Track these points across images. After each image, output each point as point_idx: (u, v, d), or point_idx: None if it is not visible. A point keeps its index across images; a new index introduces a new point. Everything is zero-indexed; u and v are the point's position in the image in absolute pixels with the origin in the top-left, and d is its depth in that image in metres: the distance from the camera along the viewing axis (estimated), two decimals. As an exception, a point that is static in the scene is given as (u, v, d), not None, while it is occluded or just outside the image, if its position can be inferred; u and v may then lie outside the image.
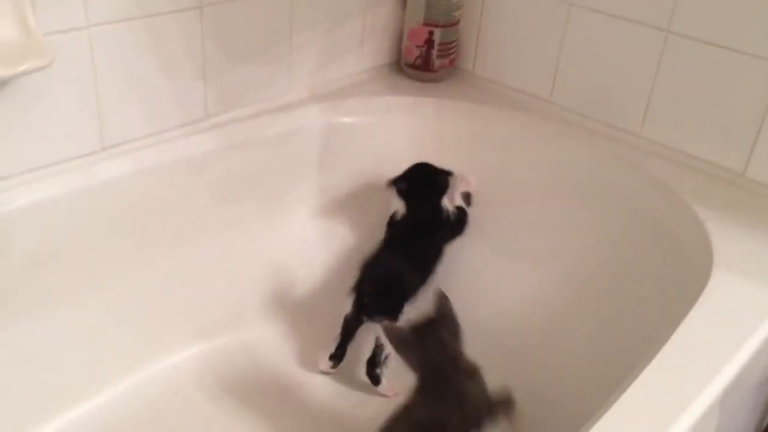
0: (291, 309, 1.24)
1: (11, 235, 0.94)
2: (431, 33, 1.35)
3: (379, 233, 1.22)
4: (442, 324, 0.90)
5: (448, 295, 0.94)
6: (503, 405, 0.89)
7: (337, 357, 1.12)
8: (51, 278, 0.99)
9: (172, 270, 1.12)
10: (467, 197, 1.25)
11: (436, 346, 0.88)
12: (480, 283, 1.23)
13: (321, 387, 1.12)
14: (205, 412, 1.07)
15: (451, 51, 1.39)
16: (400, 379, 0.99)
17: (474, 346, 1.14)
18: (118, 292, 1.06)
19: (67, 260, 1.00)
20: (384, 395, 1.09)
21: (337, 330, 1.12)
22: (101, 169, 1.02)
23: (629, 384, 0.74)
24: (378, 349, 1.08)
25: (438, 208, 1.19)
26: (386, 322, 0.96)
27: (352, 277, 1.11)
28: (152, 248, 1.09)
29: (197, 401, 1.09)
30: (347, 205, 1.30)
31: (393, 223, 1.19)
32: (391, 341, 0.91)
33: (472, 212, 1.24)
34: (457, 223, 1.21)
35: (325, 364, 1.13)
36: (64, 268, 1.00)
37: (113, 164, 1.03)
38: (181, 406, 1.08)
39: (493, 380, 1.10)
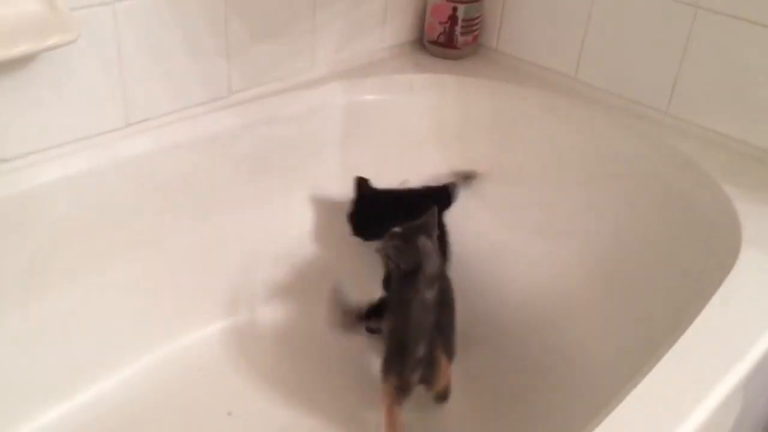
0: (314, 285, 1.24)
1: (38, 210, 0.95)
2: (455, 9, 1.34)
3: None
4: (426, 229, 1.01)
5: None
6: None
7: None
8: (77, 252, 1.00)
9: (196, 245, 1.12)
10: (468, 175, 1.23)
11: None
12: (504, 260, 1.23)
13: (347, 362, 1.13)
14: (230, 388, 1.08)
15: (475, 27, 1.37)
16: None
17: (498, 322, 1.15)
18: (142, 267, 1.07)
19: (93, 235, 1.01)
20: None
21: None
22: (126, 145, 1.03)
23: (654, 363, 0.73)
24: None
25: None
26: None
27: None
28: (176, 224, 1.10)
29: (221, 376, 1.10)
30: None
31: None
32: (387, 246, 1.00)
33: (493, 189, 1.24)
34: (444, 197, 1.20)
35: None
36: (90, 242, 1.01)
37: (137, 141, 1.04)
38: (205, 382, 1.09)
39: (517, 356, 1.11)
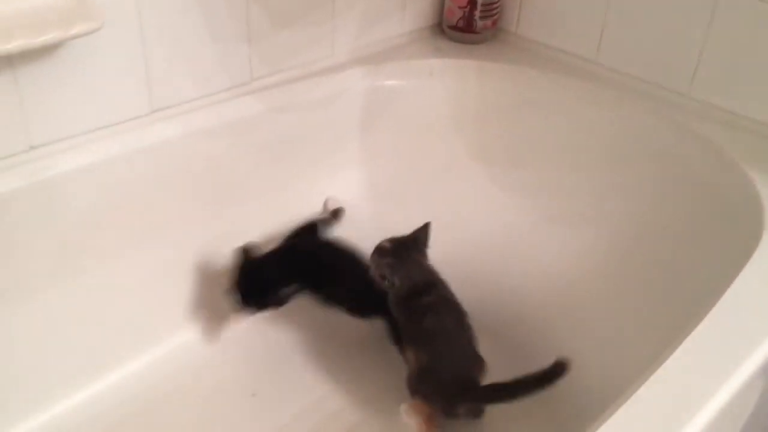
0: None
1: (67, 196, 0.97)
2: (474, -6, 1.33)
3: (421, 196, 1.22)
4: (416, 243, 1.02)
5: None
6: None
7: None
8: (103, 238, 1.02)
9: (219, 231, 1.14)
10: (336, 212, 1.21)
11: (414, 265, 1.00)
12: (523, 246, 1.23)
13: (369, 346, 1.14)
14: (254, 370, 1.10)
15: (494, 12, 1.37)
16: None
17: (518, 308, 1.14)
18: (166, 252, 1.09)
19: (118, 221, 1.02)
20: None
21: None
22: (150, 132, 1.04)
23: (674, 348, 0.73)
24: None
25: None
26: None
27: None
28: (200, 209, 1.11)
29: (245, 359, 1.12)
30: (389, 167, 1.31)
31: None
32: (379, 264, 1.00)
33: (511, 174, 1.24)
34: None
35: None
36: (115, 228, 1.02)
37: (161, 127, 1.05)
38: (229, 364, 1.11)
39: (538, 343, 1.11)
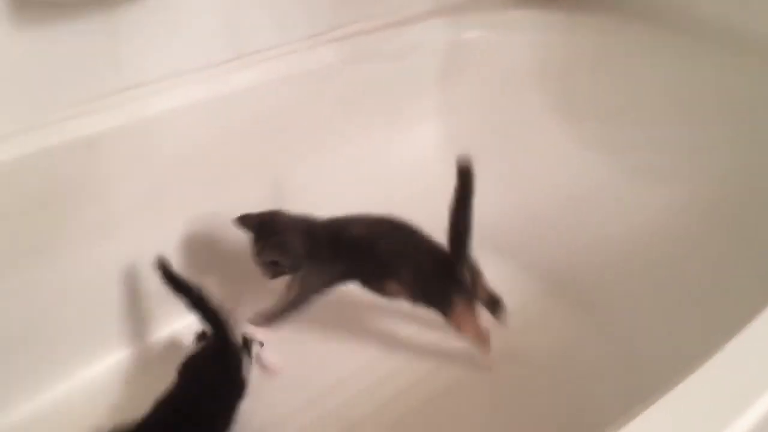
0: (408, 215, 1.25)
1: (160, 136, 1.02)
2: (561, -58, 1.29)
3: (500, 151, 1.21)
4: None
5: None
6: None
7: None
8: (196, 176, 1.06)
9: (297, 175, 1.17)
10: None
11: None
12: (603, 202, 1.19)
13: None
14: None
15: (582, -39, 1.32)
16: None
17: (593, 265, 1.11)
18: (252, 191, 1.12)
19: (209, 161, 1.06)
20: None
21: None
22: (233, 77, 1.07)
23: (745, 328, 0.66)
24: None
25: None
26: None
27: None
28: (279, 154, 1.14)
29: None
30: (467, 121, 1.29)
31: None
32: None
33: (596, 129, 1.20)
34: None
35: None
36: (205, 168, 1.06)
37: (246, 74, 1.08)
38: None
39: (612, 299, 1.08)
